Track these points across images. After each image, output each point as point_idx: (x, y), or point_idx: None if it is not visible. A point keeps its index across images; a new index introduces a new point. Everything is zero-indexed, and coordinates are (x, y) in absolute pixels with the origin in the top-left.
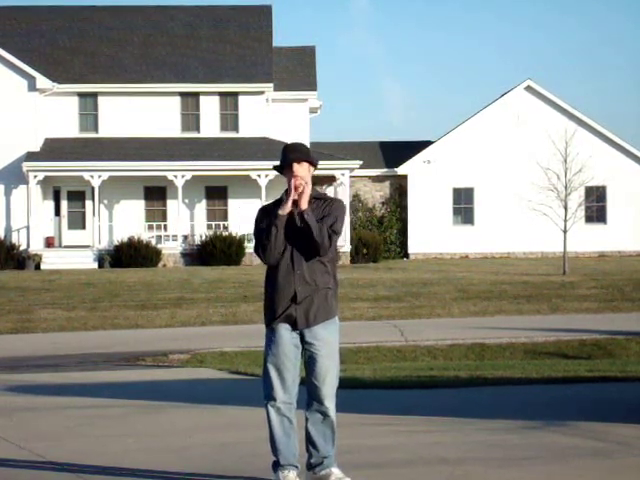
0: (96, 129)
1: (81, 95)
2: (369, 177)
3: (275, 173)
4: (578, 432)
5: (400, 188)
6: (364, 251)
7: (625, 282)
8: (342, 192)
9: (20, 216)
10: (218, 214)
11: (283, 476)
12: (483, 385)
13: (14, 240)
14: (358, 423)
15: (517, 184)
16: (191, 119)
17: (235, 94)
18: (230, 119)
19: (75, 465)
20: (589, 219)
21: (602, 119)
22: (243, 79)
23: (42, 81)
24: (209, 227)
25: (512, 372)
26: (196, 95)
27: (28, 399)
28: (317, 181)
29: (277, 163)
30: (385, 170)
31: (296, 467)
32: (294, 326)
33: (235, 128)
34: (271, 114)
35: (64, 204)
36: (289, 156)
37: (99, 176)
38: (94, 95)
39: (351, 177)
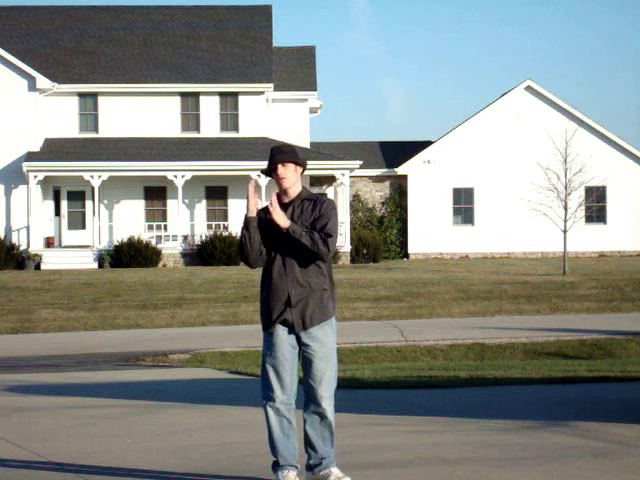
0: (96, 129)
1: (81, 95)
2: (369, 177)
3: None
4: (578, 432)
5: (400, 188)
6: (364, 251)
7: (625, 282)
8: (342, 192)
9: (20, 216)
10: (218, 214)
11: (283, 476)
12: (483, 385)
13: (14, 240)
14: (358, 423)
15: (517, 184)
16: (191, 119)
17: (235, 94)
18: (230, 119)
19: (75, 465)
20: (589, 219)
21: (602, 119)
22: (243, 79)
23: (42, 81)
24: (209, 227)
25: (512, 372)
26: (196, 95)
27: (28, 399)
28: (317, 181)
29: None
30: (385, 170)
31: (296, 467)
32: (291, 329)
33: (235, 128)
34: (271, 114)
35: (64, 204)
36: (273, 159)
37: (99, 176)
38: (94, 95)
39: (351, 177)
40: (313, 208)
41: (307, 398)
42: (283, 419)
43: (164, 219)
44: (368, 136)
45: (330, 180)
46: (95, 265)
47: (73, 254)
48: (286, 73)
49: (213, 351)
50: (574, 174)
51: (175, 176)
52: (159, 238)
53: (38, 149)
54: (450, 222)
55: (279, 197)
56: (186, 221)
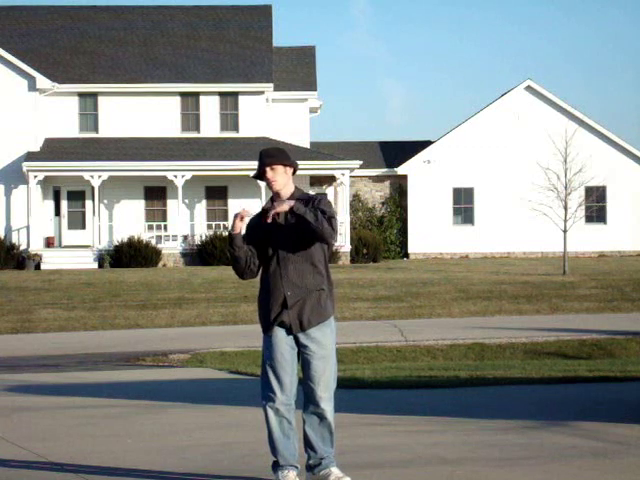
0: (96, 129)
1: (81, 95)
2: (369, 177)
3: None
4: (578, 432)
5: (400, 188)
6: (364, 251)
7: (625, 282)
8: (342, 192)
9: (20, 216)
10: (218, 214)
11: (283, 476)
12: (483, 385)
13: (14, 240)
14: (358, 423)
15: (517, 184)
16: (191, 119)
17: (235, 94)
18: (230, 119)
19: (75, 465)
20: (589, 219)
21: (602, 119)
22: (243, 79)
23: (42, 81)
24: (209, 227)
25: (512, 372)
26: (196, 95)
27: (28, 399)
28: (317, 181)
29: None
30: (385, 170)
31: (296, 467)
32: (289, 331)
33: (235, 128)
34: (271, 114)
35: (64, 204)
36: (261, 163)
37: (99, 176)
38: (94, 95)
39: (351, 177)
40: (307, 206)
41: (306, 399)
42: (283, 419)
43: (164, 219)
44: (368, 136)
45: (330, 180)
46: (95, 265)
47: (73, 254)
48: (286, 73)
49: (213, 351)
50: (574, 174)
51: (175, 176)
52: (159, 238)
53: (38, 149)
54: (450, 222)
55: (272, 200)
56: (186, 221)
